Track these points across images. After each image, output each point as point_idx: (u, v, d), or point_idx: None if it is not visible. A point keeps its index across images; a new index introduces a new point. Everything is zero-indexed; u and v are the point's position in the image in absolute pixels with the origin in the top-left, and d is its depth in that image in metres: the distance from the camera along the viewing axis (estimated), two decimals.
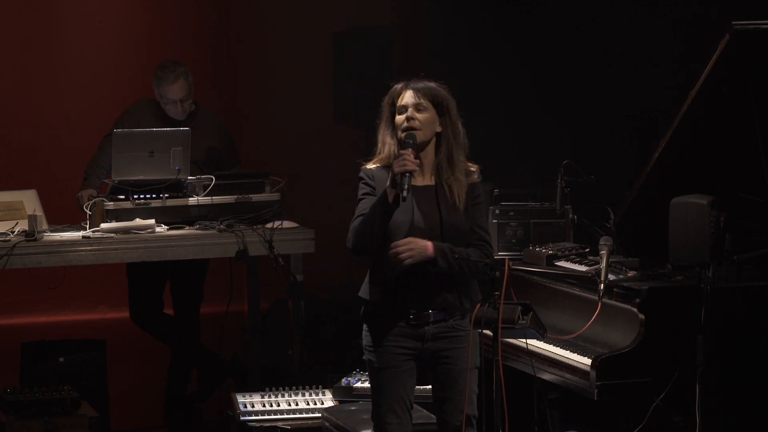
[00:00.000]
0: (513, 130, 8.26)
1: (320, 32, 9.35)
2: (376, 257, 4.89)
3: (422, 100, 4.83)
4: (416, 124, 4.81)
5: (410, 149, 4.77)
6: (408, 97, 4.84)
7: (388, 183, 4.75)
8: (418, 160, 4.78)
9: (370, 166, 4.95)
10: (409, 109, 4.82)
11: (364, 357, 4.99)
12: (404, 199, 4.68)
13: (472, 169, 4.93)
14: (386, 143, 4.91)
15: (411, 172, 4.70)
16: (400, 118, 4.84)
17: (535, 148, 7.99)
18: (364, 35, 8.90)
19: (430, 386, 5.07)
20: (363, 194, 4.93)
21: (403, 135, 4.82)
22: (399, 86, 4.90)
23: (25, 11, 9.88)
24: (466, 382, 4.87)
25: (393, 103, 4.89)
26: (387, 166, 4.86)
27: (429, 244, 4.78)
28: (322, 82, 9.29)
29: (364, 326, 4.98)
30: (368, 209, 4.81)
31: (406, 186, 4.67)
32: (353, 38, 8.89)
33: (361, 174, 4.96)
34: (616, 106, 7.47)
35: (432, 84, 4.89)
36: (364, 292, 4.95)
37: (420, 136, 4.83)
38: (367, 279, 4.97)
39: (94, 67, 9.91)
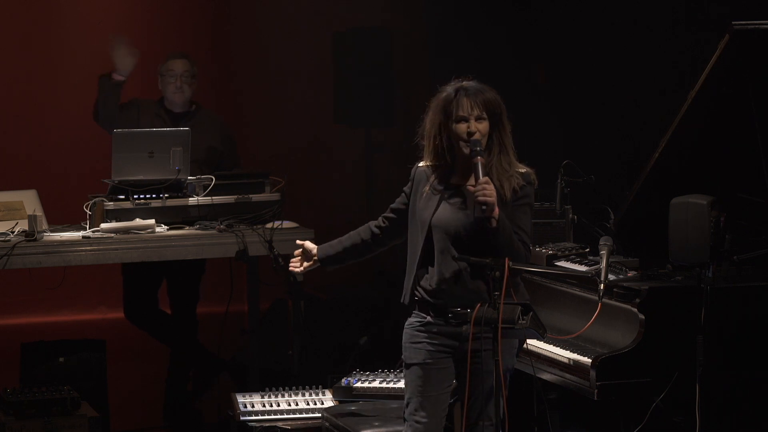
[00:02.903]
0: (513, 130, 8.24)
1: (320, 32, 9.35)
2: (414, 257, 4.96)
3: (482, 111, 4.87)
4: (478, 136, 4.86)
5: (479, 157, 4.81)
6: (468, 107, 4.86)
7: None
8: (492, 186, 4.79)
9: (420, 163, 5.03)
10: (472, 122, 4.86)
11: (402, 355, 5.05)
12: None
13: (522, 170, 4.92)
14: (434, 146, 4.95)
15: (487, 204, 4.74)
16: (461, 127, 4.87)
17: (535, 148, 7.98)
18: (364, 35, 8.90)
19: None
20: (401, 194, 5.10)
21: (468, 144, 4.86)
22: (452, 91, 4.90)
23: (25, 12, 9.88)
24: (490, 383, 4.82)
25: (446, 108, 4.90)
26: (432, 167, 4.96)
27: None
28: (322, 82, 9.30)
29: (405, 324, 5.03)
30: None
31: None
32: (353, 38, 8.89)
33: (411, 172, 5.07)
34: (617, 106, 7.47)
35: (484, 89, 4.90)
36: (405, 292, 5.01)
37: (482, 144, 4.88)
38: (407, 278, 5.01)
39: (93, 67, 9.85)
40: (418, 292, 4.96)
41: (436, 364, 4.93)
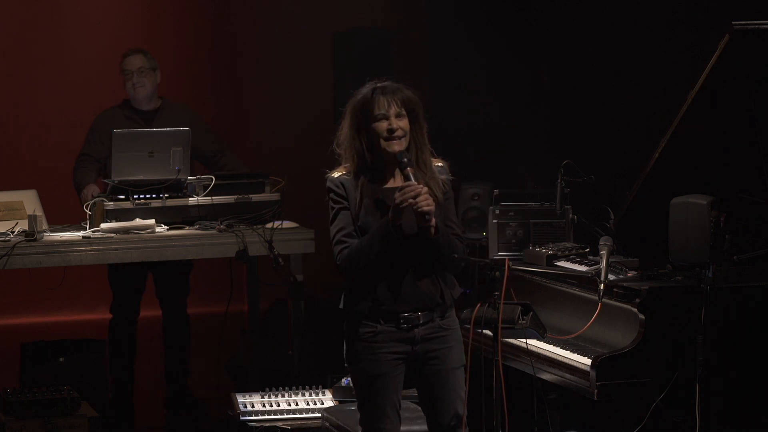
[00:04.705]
0: (513, 130, 8.26)
1: (320, 32, 9.35)
2: None
3: (401, 108, 4.82)
4: (400, 133, 4.81)
5: (409, 168, 4.75)
6: (386, 105, 4.81)
7: (390, 215, 4.72)
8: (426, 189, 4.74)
9: (336, 174, 4.93)
10: (392, 119, 4.81)
11: (348, 366, 4.93)
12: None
13: (440, 164, 4.93)
14: (355, 149, 4.89)
15: (429, 213, 4.70)
16: (381, 125, 4.81)
17: (535, 148, 8.00)
18: (364, 35, 8.90)
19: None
20: (338, 209, 4.92)
21: (396, 153, 4.78)
22: (368, 92, 4.85)
23: (25, 12, 9.88)
24: (455, 381, 4.86)
25: (363, 109, 4.85)
26: (355, 173, 4.88)
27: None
28: (322, 82, 9.29)
29: (349, 336, 4.90)
30: (365, 239, 4.80)
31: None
32: (353, 38, 8.89)
33: (329, 185, 4.93)
34: (616, 106, 7.47)
35: (401, 88, 4.87)
36: (347, 302, 4.90)
37: (404, 144, 4.82)
38: (348, 289, 4.91)
39: (93, 67, 9.90)
40: (366, 300, 4.86)
41: (394, 371, 4.87)
